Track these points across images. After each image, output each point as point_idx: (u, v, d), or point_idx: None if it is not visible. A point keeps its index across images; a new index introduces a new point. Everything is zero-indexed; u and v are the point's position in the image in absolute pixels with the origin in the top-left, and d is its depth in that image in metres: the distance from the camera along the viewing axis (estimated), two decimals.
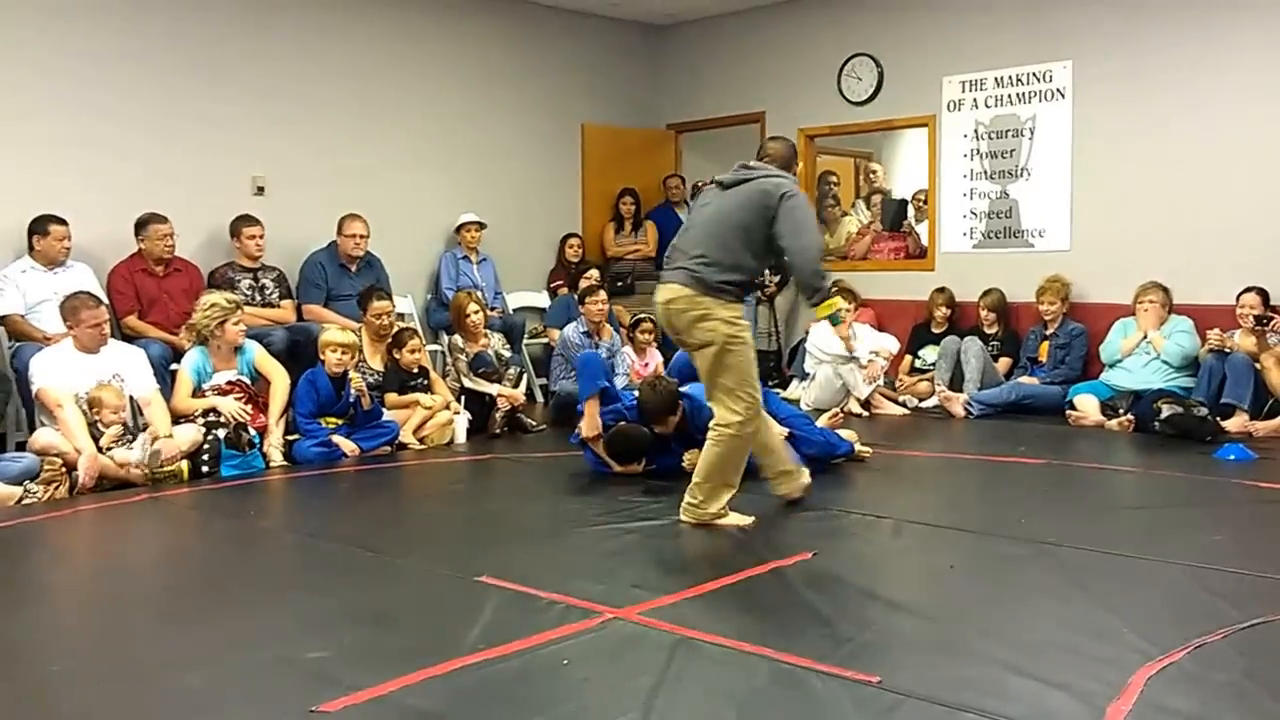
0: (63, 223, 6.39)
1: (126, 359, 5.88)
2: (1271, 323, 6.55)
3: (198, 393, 6.02)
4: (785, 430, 5.46)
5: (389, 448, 6.38)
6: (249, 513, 5.10)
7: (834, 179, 9.74)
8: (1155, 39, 7.46)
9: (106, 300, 6.27)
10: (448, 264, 8.40)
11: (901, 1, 8.69)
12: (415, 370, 6.79)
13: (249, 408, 6.02)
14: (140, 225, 6.74)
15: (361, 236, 7.55)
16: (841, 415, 7.08)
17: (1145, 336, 7.10)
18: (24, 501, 5.14)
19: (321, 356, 6.30)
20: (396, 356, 6.74)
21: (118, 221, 6.74)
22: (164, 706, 2.81)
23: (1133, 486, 5.45)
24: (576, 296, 8.04)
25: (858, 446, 5.78)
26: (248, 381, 6.17)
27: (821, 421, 6.29)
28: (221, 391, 6.02)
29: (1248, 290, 6.76)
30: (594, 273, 8.50)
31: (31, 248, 6.36)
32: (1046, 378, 7.56)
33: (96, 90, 6.89)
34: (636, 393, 5.60)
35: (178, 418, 5.85)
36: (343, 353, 6.25)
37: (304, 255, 7.55)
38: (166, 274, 6.82)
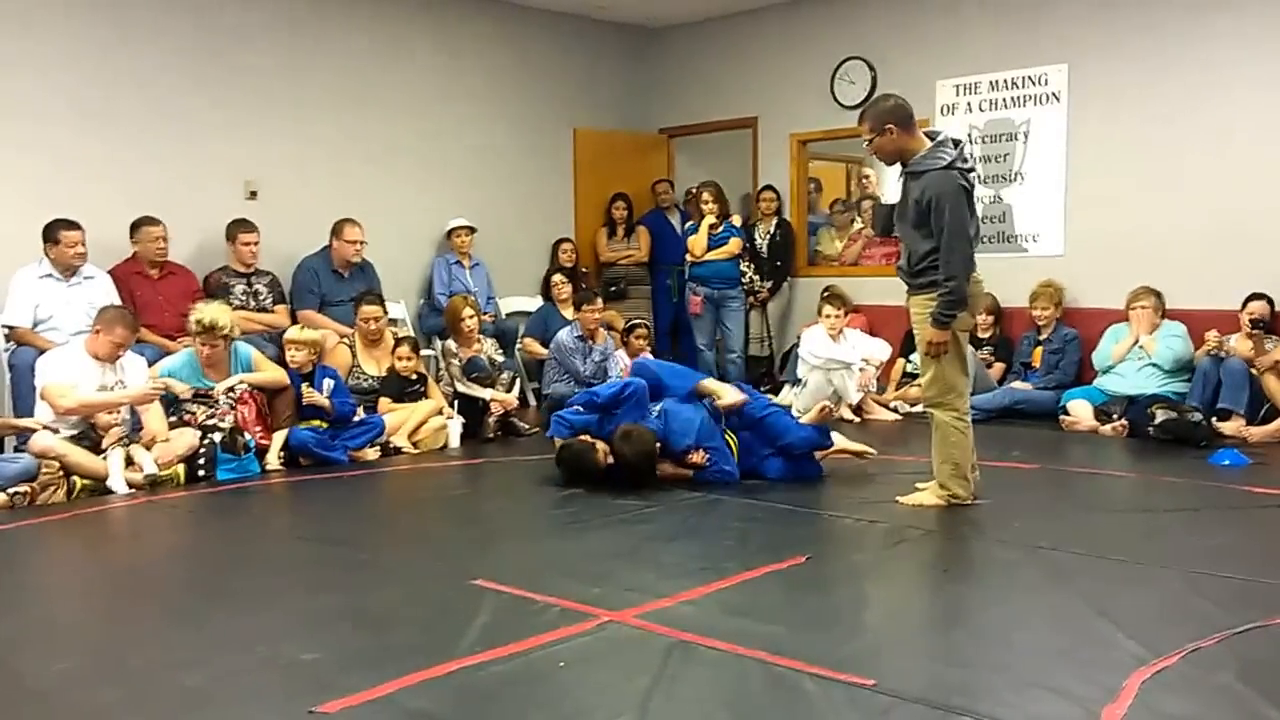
0: (75, 227, 6.28)
1: (130, 365, 5.85)
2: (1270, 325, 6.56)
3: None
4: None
5: (379, 447, 6.38)
6: (245, 516, 5.09)
7: (812, 185, 9.74)
8: (1152, 42, 7.46)
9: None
10: (440, 269, 8.40)
11: (896, 4, 8.69)
12: (414, 377, 6.81)
13: (250, 413, 6.01)
14: (133, 228, 6.75)
15: (360, 243, 7.51)
16: (830, 409, 7.08)
17: (1137, 341, 7.12)
18: (15, 507, 5.08)
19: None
20: (395, 364, 6.77)
21: (112, 227, 6.71)
22: (163, 707, 2.81)
23: (1127, 491, 5.46)
24: (558, 300, 8.08)
25: (845, 442, 5.77)
26: (257, 392, 6.14)
27: (809, 417, 6.29)
28: (240, 401, 6.00)
29: (1254, 298, 6.75)
30: (558, 277, 8.54)
31: (47, 253, 6.30)
32: (1040, 383, 7.57)
33: (89, 96, 6.89)
34: (616, 443, 5.33)
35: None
36: (309, 351, 6.30)
37: (295, 260, 7.53)
38: (161, 277, 6.82)
